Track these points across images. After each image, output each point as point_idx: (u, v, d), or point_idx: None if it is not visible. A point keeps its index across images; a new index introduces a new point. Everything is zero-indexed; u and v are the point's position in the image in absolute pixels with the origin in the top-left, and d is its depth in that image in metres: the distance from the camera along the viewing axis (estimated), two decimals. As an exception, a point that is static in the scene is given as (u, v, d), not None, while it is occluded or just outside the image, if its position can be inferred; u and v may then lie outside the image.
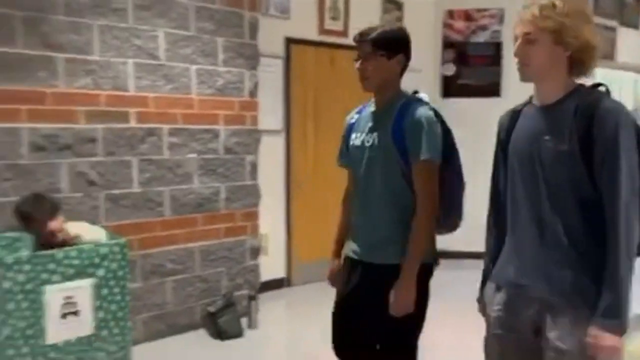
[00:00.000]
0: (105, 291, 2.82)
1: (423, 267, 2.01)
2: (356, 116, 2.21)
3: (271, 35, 4.47)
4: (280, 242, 4.83)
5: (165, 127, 3.69)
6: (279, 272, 4.84)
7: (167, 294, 3.76)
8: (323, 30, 4.82)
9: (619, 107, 1.53)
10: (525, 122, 1.69)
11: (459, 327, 3.60)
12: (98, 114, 3.38)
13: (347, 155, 2.22)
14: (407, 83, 2.14)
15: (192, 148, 3.81)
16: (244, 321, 3.90)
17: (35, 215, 2.77)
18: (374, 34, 2.03)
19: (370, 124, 2.11)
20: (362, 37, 2.05)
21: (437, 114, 2.05)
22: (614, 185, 1.50)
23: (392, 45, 2.03)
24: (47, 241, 2.79)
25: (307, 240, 4.89)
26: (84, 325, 2.76)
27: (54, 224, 2.80)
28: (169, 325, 3.77)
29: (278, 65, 4.62)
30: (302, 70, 4.81)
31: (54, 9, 3.18)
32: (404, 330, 2.03)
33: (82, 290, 2.75)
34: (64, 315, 2.71)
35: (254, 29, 4.06)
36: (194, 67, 3.78)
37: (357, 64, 2.06)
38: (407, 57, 2.09)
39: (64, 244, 2.80)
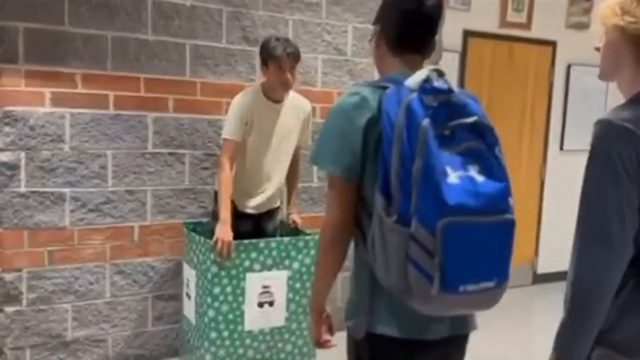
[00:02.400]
0: (298, 285, 2.87)
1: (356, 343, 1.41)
2: None
3: (450, 28, 4.27)
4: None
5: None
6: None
7: (337, 291, 3.77)
8: (505, 23, 4.52)
9: None
10: None
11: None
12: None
13: None
14: None
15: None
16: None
17: (282, 56, 2.66)
18: None
19: None
20: None
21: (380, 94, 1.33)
22: None
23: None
24: (279, 87, 2.74)
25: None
26: (277, 316, 2.84)
27: (292, 75, 2.72)
28: (340, 322, 3.78)
29: (454, 59, 4.42)
30: (478, 64, 4.56)
31: (255, 4, 3.29)
32: None
33: (278, 281, 2.82)
34: (261, 304, 2.80)
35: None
36: (377, 62, 3.72)
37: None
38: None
39: (280, 99, 2.80)
